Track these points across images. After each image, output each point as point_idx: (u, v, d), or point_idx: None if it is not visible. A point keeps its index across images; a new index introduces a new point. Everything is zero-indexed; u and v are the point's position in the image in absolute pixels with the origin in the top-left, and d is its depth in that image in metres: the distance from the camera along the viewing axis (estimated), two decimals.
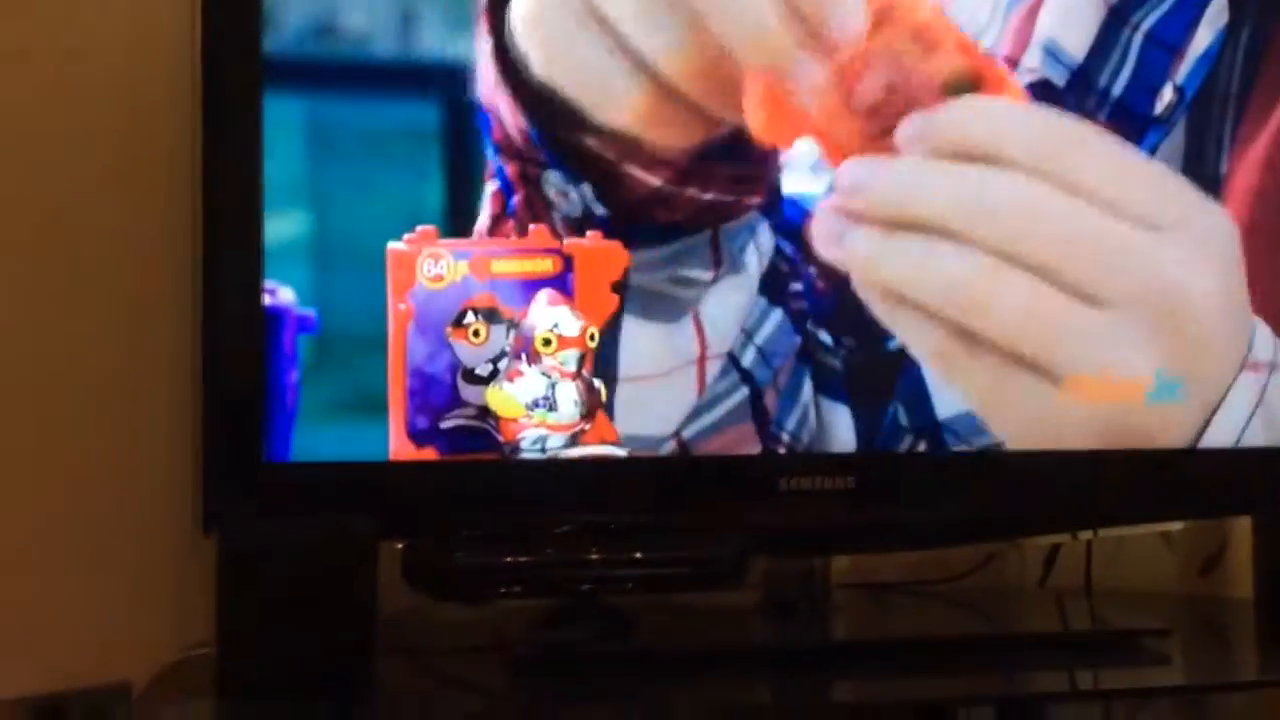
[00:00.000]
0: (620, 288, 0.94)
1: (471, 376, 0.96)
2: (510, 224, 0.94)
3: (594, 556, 0.95)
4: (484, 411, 0.96)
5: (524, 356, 0.96)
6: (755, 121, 0.92)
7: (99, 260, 1.01)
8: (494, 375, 0.96)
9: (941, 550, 1.16)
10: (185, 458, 0.97)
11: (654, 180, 0.91)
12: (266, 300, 0.93)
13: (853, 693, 0.95)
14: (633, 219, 0.94)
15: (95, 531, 1.00)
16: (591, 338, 0.97)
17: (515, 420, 0.96)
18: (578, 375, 0.96)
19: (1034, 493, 1.04)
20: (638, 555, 0.96)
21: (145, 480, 1.02)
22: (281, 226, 0.94)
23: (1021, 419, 0.98)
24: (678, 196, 0.92)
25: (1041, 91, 1.00)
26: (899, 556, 1.17)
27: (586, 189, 0.92)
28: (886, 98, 0.93)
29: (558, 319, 0.96)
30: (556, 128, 0.92)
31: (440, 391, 0.95)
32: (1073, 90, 1.01)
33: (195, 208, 0.93)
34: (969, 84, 0.95)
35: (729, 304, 0.96)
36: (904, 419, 1.00)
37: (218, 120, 0.93)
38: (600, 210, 0.91)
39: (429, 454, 0.95)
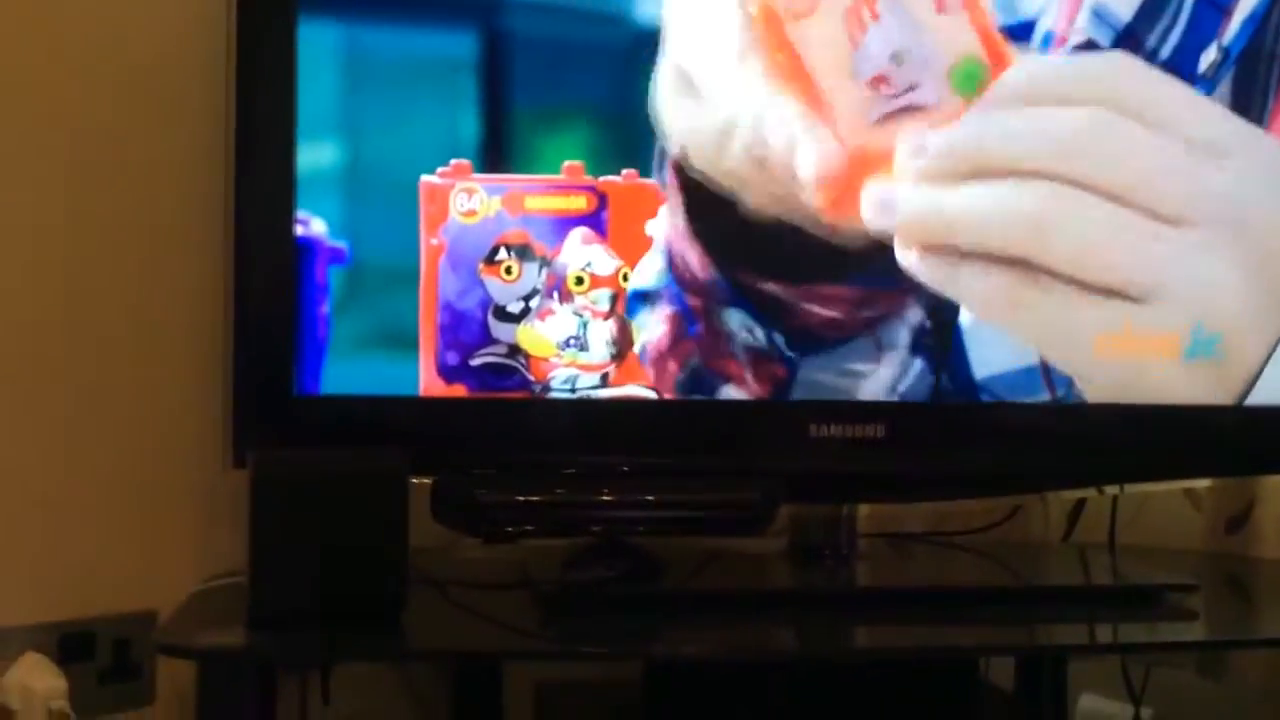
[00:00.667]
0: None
1: (503, 314, 0.95)
2: (692, 345, 0.97)
3: (621, 497, 0.95)
4: (514, 349, 0.95)
5: (556, 295, 0.95)
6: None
7: (130, 190, 1.00)
8: (525, 313, 0.95)
9: (966, 503, 1.16)
10: (214, 390, 0.96)
11: (829, 313, 0.98)
12: (298, 231, 0.92)
13: (875, 639, 0.95)
14: (809, 342, 0.98)
15: (123, 463, 1.00)
16: (624, 277, 0.96)
17: (546, 359, 0.95)
18: (610, 314, 0.96)
19: (1064, 446, 1.03)
20: (666, 498, 0.95)
21: (173, 412, 1.02)
22: (314, 157, 0.93)
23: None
24: (848, 321, 0.98)
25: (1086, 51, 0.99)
26: (923, 507, 1.17)
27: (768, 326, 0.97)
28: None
29: (591, 258, 0.95)
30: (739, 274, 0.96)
31: (471, 328, 0.95)
32: (1118, 48, 1.00)
33: (227, 136, 0.92)
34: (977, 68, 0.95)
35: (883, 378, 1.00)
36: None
37: (251, 46, 0.91)
38: (780, 340, 0.97)
39: (459, 390, 0.95)
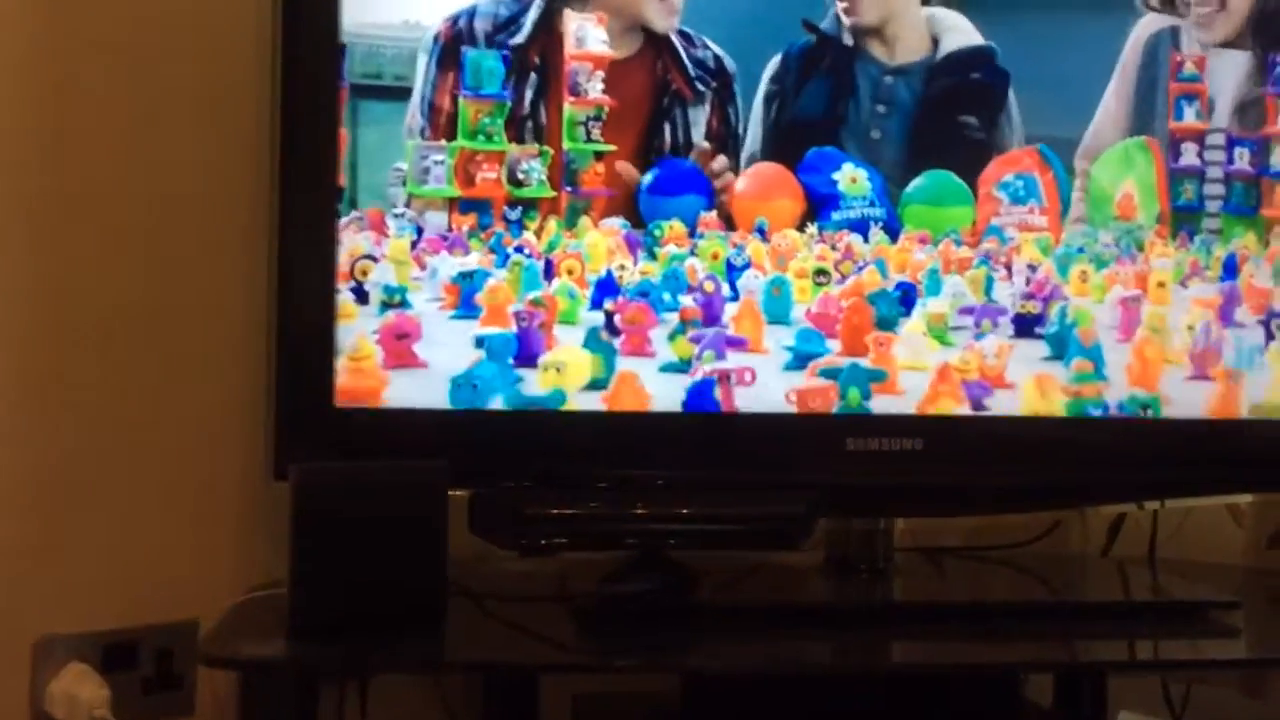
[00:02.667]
0: None
1: None
2: None
3: (658, 511, 0.95)
4: None
5: None
6: None
7: (177, 197, 1.01)
8: None
9: (1003, 517, 1.15)
10: (257, 401, 0.98)
11: None
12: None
13: (912, 654, 0.95)
14: None
15: (166, 473, 1.01)
16: None
17: None
18: None
19: (1101, 459, 1.02)
20: (703, 511, 0.95)
21: (216, 423, 1.03)
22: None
23: None
24: None
25: None
26: (959, 522, 1.16)
27: None
28: None
29: None
30: None
31: None
32: None
33: (274, 146, 0.93)
34: None
35: None
36: None
37: (296, 54, 0.93)
38: None
39: (497, 403, 0.95)
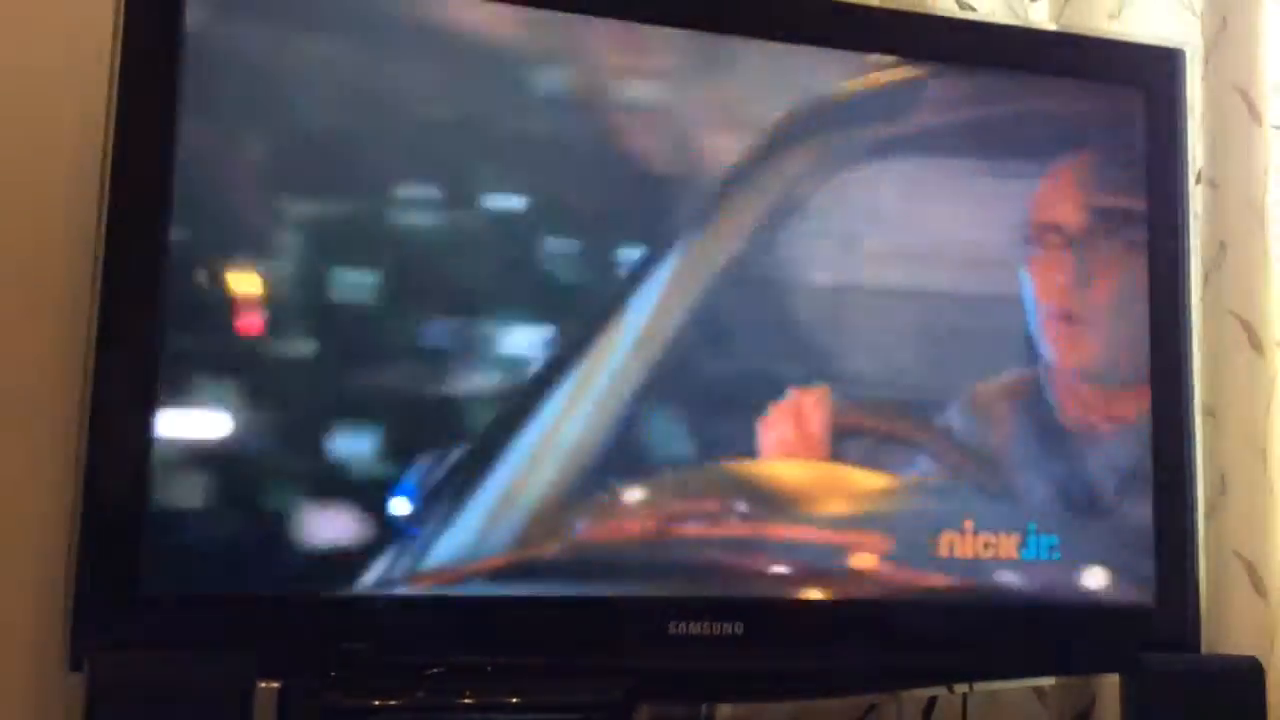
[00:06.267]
0: None
1: None
2: None
3: (476, 700, 0.93)
4: None
5: None
6: None
7: None
8: None
9: (824, 700, 1.16)
10: (54, 585, 0.92)
11: None
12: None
13: None
14: None
15: None
16: None
17: None
18: None
19: (917, 643, 1.05)
20: (518, 700, 0.94)
21: (7, 609, 0.97)
22: None
23: None
24: None
25: None
26: (783, 704, 1.17)
27: None
28: None
29: None
30: None
31: None
32: None
33: (90, 326, 0.91)
34: None
35: None
36: None
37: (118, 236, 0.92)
38: None
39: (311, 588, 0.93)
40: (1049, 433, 1.08)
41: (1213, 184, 1.21)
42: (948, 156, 1.09)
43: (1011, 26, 1.23)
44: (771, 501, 1.02)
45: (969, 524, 1.07)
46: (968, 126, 1.10)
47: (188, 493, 0.90)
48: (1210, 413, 1.19)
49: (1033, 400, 1.08)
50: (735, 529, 1.01)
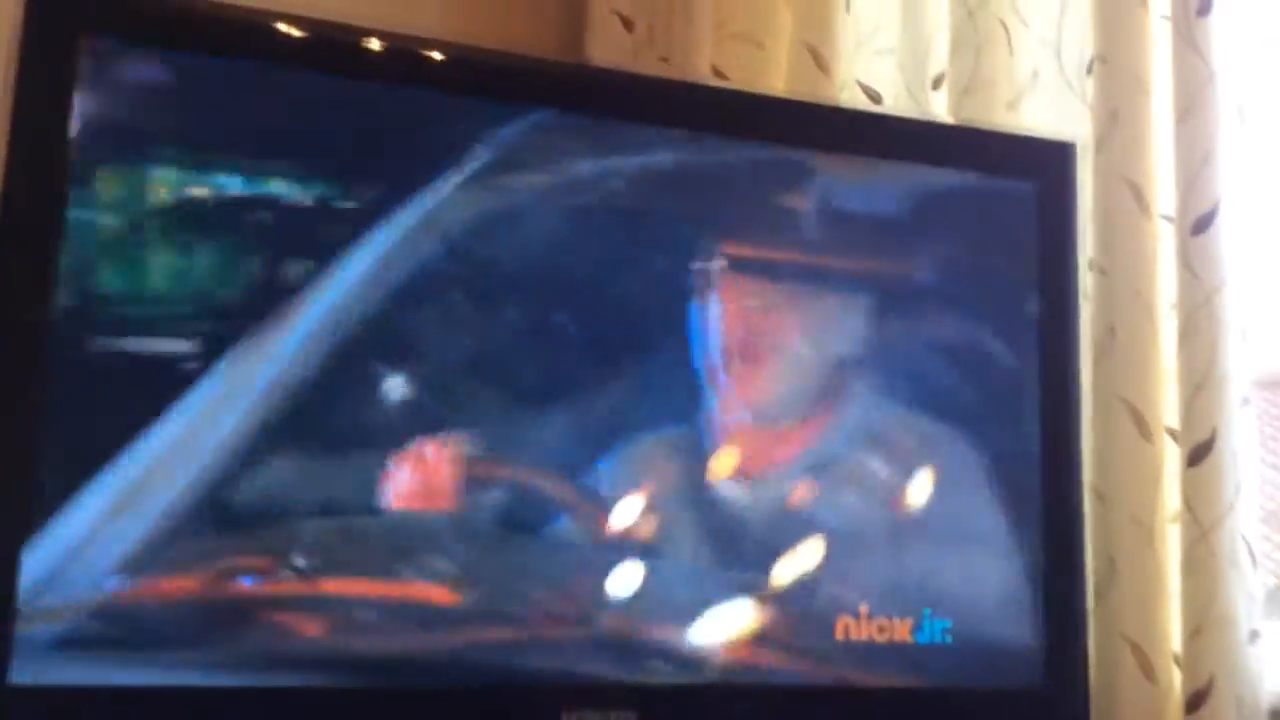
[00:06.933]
0: None
1: None
2: None
3: None
4: None
5: None
6: None
7: None
8: None
9: None
10: None
11: None
12: None
13: None
14: None
15: None
16: None
17: None
18: None
19: None
20: None
21: None
22: None
23: None
24: None
25: None
26: None
27: None
28: None
29: None
30: None
31: None
32: None
33: None
34: None
35: None
36: None
37: None
38: None
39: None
40: None
41: (1103, 271, 1.24)
42: None
43: (912, 120, 1.26)
44: None
45: (864, 608, 1.08)
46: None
47: None
48: (1100, 496, 1.21)
49: None
50: None
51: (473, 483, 0.98)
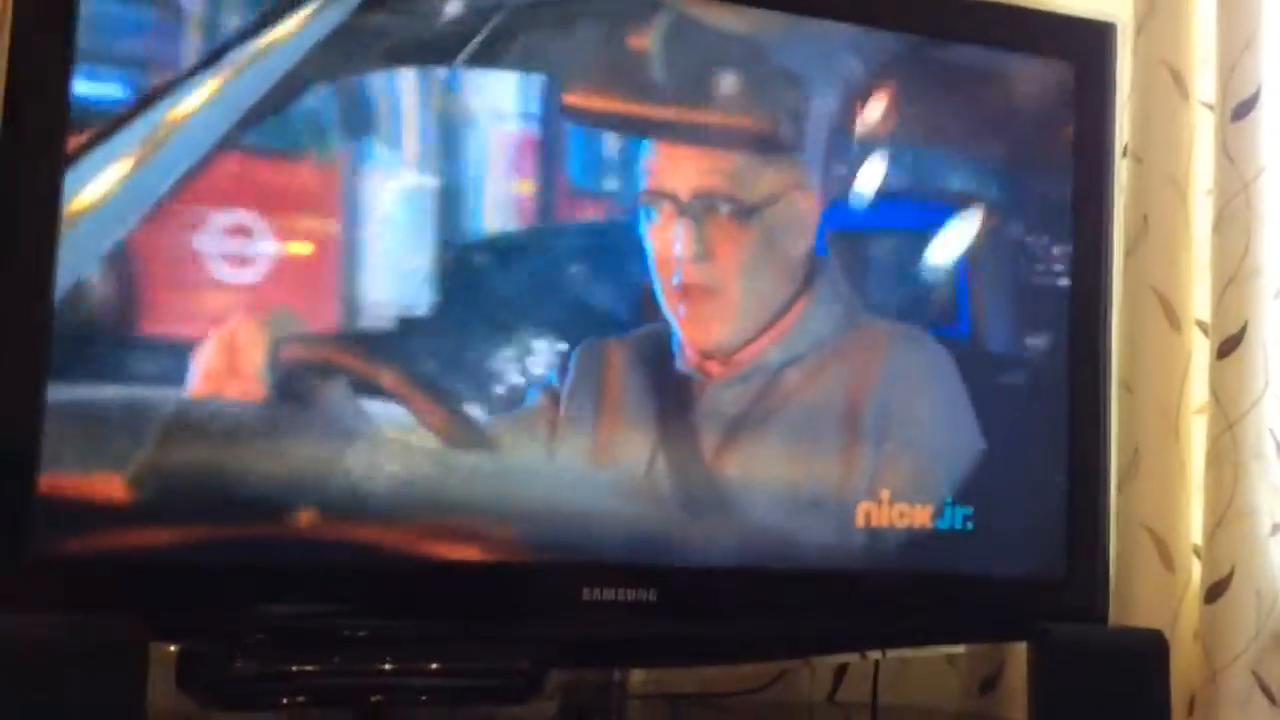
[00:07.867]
0: None
1: None
2: None
3: (386, 666, 0.91)
4: None
5: None
6: None
7: None
8: None
9: (737, 664, 1.17)
10: None
11: None
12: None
13: None
14: None
15: None
16: None
17: None
18: None
19: (830, 610, 1.06)
20: (431, 666, 0.92)
21: None
22: None
23: None
24: None
25: None
26: (695, 669, 1.17)
27: None
28: None
29: None
30: None
31: None
32: None
33: None
34: None
35: None
36: None
37: None
38: None
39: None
40: None
41: (1138, 158, 1.21)
42: None
43: None
44: None
45: (885, 494, 1.07)
46: None
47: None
48: (1126, 387, 1.19)
49: None
50: None
51: None
